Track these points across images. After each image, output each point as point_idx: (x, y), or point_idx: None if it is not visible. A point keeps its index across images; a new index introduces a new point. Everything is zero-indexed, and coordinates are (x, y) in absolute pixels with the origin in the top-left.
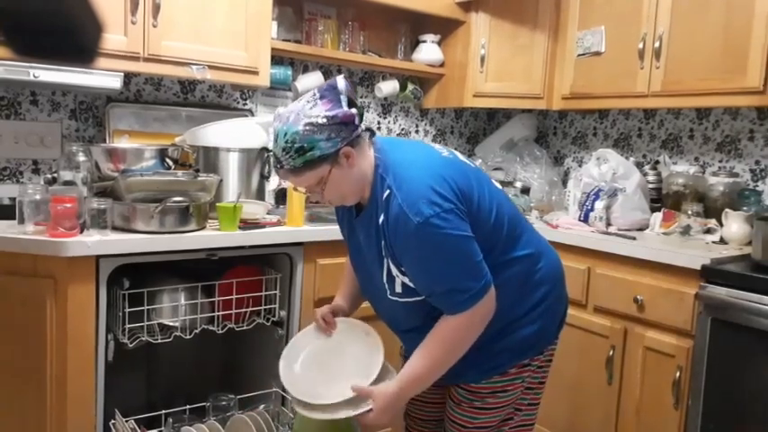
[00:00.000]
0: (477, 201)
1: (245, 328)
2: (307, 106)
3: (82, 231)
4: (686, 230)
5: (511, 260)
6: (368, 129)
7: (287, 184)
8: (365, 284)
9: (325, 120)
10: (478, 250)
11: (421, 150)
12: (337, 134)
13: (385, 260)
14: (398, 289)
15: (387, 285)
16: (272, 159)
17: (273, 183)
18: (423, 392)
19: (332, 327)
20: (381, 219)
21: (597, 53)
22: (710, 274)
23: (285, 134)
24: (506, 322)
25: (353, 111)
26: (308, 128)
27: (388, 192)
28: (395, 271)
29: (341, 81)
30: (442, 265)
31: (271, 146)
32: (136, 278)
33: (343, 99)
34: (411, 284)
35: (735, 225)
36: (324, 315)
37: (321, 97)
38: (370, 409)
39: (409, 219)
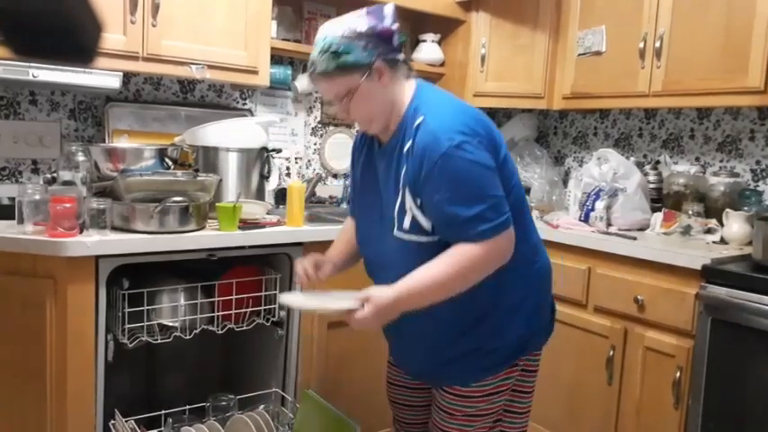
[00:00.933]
0: (504, 157)
1: (244, 328)
2: (351, 17)
3: (81, 231)
4: (687, 230)
5: (516, 240)
6: (408, 64)
7: (286, 183)
8: (367, 226)
9: (365, 29)
10: (501, 187)
11: (460, 100)
12: (375, 47)
13: (401, 191)
14: (406, 225)
15: (396, 219)
16: (308, 66)
17: (273, 183)
18: (410, 396)
19: (310, 280)
20: (408, 146)
21: (598, 53)
22: (711, 274)
23: (325, 38)
24: (500, 315)
25: (394, 27)
26: (347, 34)
27: (420, 119)
28: (409, 203)
29: (389, 6)
30: (468, 190)
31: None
32: (135, 278)
33: (388, 18)
34: (422, 220)
35: (735, 225)
36: (305, 268)
37: (368, 13)
38: (362, 308)
39: (441, 142)
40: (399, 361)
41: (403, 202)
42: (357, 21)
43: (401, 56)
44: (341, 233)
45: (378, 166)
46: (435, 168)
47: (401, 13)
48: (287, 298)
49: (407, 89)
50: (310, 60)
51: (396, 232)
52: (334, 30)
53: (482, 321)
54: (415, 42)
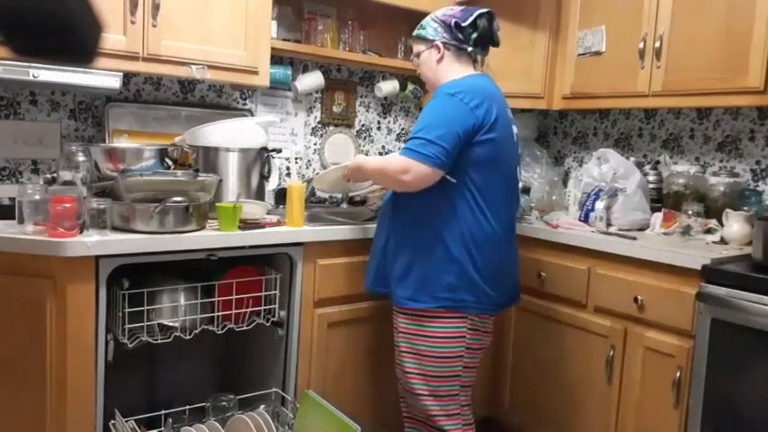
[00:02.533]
0: (488, 139)
1: (244, 328)
2: (449, 8)
3: (81, 231)
4: (687, 230)
5: (481, 208)
6: (476, 55)
7: (286, 184)
8: None
9: (441, 17)
10: (456, 145)
11: (485, 82)
12: (441, 31)
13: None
14: None
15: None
16: None
17: (273, 183)
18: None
19: None
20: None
21: (598, 53)
22: (711, 274)
23: (430, 13)
24: (442, 252)
25: (463, 24)
26: (432, 17)
27: (448, 83)
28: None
29: (482, 11)
30: (429, 121)
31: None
32: (135, 278)
33: (467, 16)
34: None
35: (735, 225)
36: None
37: (464, 6)
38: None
39: (445, 89)
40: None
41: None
42: (447, 9)
43: (468, 48)
44: None
45: None
46: (432, 101)
47: (401, 12)
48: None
49: (459, 73)
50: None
51: None
52: (435, 11)
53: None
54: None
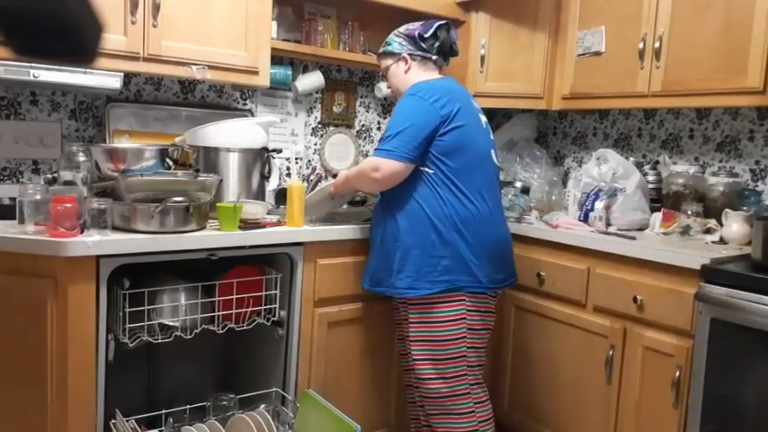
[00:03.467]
0: (453, 129)
1: (245, 327)
2: (412, 24)
3: (82, 231)
4: (686, 230)
5: (462, 191)
6: (438, 63)
7: (286, 183)
8: None
9: (404, 32)
10: (421, 139)
11: (444, 81)
12: (406, 44)
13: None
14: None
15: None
16: None
17: (273, 183)
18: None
19: None
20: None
21: (597, 53)
22: (710, 274)
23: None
24: (431, 239)
25: (416, 33)
26: (396, 33)
27: (412, 87)
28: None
29: (441, 24)
30: (397, 122)
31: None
32: (136, 278)
33: (427, 29)
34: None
35: (735, 225)
36: None
37: (426, 21)
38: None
39: (407, 92)
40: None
41: None
42: (410, 25)
43: (432, 56)
44: None
45: None
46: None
47: (401, 13)
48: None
49: (427, 77)
50: None
51: None
52: (397, 29)
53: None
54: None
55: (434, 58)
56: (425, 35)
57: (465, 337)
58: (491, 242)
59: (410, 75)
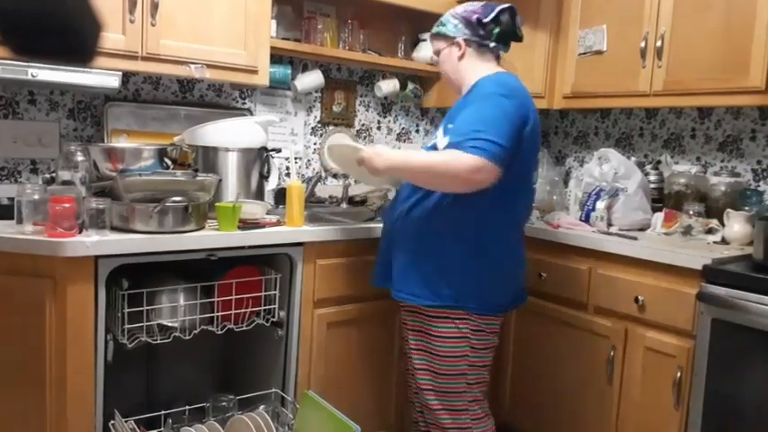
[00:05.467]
0: (527, 137)
1: (244, 328)
2: (471, 3)
3: (80, 231)
4: (688, 230)
5: (514, 207)
6: (497, 51)
7: (286, 183)
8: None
9: (462, 13)
10: (516, 146)
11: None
12: (463, 28)
13: (439, 133)
14: (431, 144)
15: (430, 145)
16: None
17: (273, 182)
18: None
19: None
20: (465, 98)
21: (599, 52)
22: (712, 274)
23: (449, 10)
24: (473, 252)
25: (476, 17)
26: (453, 12)
27: (486, 81)
28: (439, 139)
29: (503, 7)
30: (488, 115)
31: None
32: (135, 278)
33: (487, 12)
34: (438, 141)
35: (736, 225)
36: None
37: (484, 3)
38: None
39: (490, 89)
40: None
41: (435, 142)
42: (467, 6)
43: (490, 44)
44: None
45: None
46: (478, 97)
47: (401, 11)
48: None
49: (486, 69)
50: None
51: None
52: (455, 7)
53: (465, 242)
54: (415, 41)
55: (492, 45)
56: (485, 20)
57: (467, 355)
58: (515, 270)
59: (465, 63)
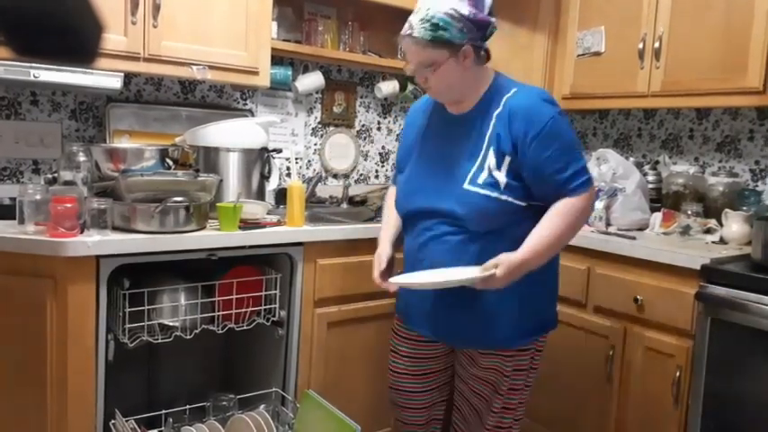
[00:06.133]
0: None
1: (245, 327)
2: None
3: (82, 231)
4: (686, 230)
5: None
6: (487, 50)
7: (286, 184)
8: (422, 179)
9: (466, 13)
10: None
11: None
12: (469, 31)
13: (483, 151)
14: (480, 180)
15: (471, 174)
16: (404, 27)
17: (273, 183)
18: (412, 385)
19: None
20: (499, 109)
21: (597, 53)
22: (710, 274)
23: (429, 8)
24: (547, 281)
25: (491, 19)
26: (450, 12)
27: (514, 90)
28: (490, 161)
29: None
30: (573, 148)
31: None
32: (136, 278)
33: (487, 7)
34: (497, 176)
35: (735, 225)
36: (382, 265)
37: None
38: (494, 273)
39: (548, 108)
40: (444, 331)
41: (484, 160)
42: (461, 3)
43: (486, 45)
44: (388, 208)
45: (448, 129)
46: (545, 129)
47: (401, 13)
48: (401, 278)
49: (488, 73)
50: (408, 23)
51: (466, 185)
52: (440, 3)
53: (541, 284)
54: None
55: (487, 46)
56: (491, 19)
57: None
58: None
59: (474, 71)
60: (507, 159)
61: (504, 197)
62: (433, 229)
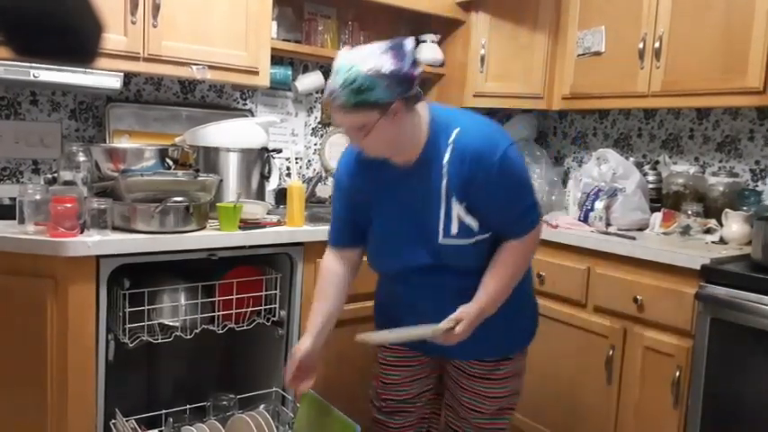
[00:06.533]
0: None
1: (245, 327)
2: (375, 53)
3: (82, 231)
4: (686, 230)
5: None
6: (418, 92)
7: (286, 184)
8: (393, 239)
9: (389, 71)
10: None
11: (470, 111)
12: (395, 88)
13: (443, 200)
14: (454, 230)
15: (442, 228)
16: (326, 93)
17: (273, 183)
18: (405, 393)
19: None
20: (447, 157)
21: (597, 53)
22: (710, 273)
23: (349, 70)
24: (524, 298)
25: (416, 72)
26: (372, 72)
27: (456, 131)
28: (456, 210)
29: (409, 42)
30: (525, 185)
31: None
32: (136, 278)
33: (409, 58)
34: (470, 222)
35: (735, 225)
36: (294, 376)
37: (390, 49)
38: (453, 327)
39: (496, 146)
40: (431, 347)
41: (449, 211)
42: (381, 59)
43: (417, 90)
44: (320, 291)
45: (401, 183)
46: (495, 171)
47: (401, 13)
48: (367, 336)
49: (422, 114)
50: (330, 89)
51: (442, 240)
52: (359, 63)
53: (516, 299)
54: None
55: (418, 89)
56: (415, 72)
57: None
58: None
59: (409, 121)
60: (465, 203)
61: (479, 237)
62: (418, 282)
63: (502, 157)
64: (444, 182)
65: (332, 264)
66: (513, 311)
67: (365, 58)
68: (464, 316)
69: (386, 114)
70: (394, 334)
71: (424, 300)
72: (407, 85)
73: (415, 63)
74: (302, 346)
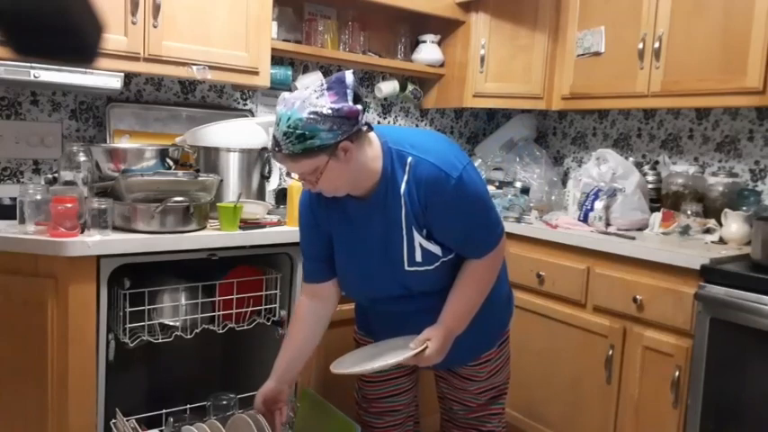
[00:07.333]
0: None
1: (245, 327)
2: (313, 95)
3: (83, 231)
4: (685, 230)
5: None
6: (367, 123)
7: (286, 183)
8: (361, 276)
9: (329, 111)
10: None
11: (425, 130)
12: (339, 127)
13: (405, 230)
14: (419, 258)
15: (406, 256)
16: (271, 143)
17: (274, 183)
18: (394, 382)
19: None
20: (403, 187)
21: (597, 53)
22: (710, 273)
23: (288, 119)
24: (496, 300)
25: (358, 107)
26: (311, 116)
27: (410, 158)
28: (417, 239)
29: (349, 76)
30: (484, 206)
31: (272, 129)
32: (136, 278)
33: (350, 94)
34: (433, 248)
35: (734, 225)
36: (261, 410)
37: (329, 89)
38: (425, 348)
39: (449, 172)
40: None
41: (411, 240)
42: (320, 101)
43: (362, 122)
44: (288, 334)
45: (357, 216)
46: (450, 196)
47: (401, 13)
48: (338, 367)
49: (373, 145)
50: (274, 138)
51: (407, 268)
52: (297, 109)
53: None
54: (415, 43)
55: (364, 122)
56: (357, 105)
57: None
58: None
59: (360, 157)
60: (426, 230)
61: (444, 259)
62: (385, 309)
63: (457, 181)
64: (403, 212)
65: (303, 308)
66: (486, 317)
67: (303, 103)
68: (430, 336)
69: (335, 155)
70: (368, 366)
71: (393, 319)
72: (352, 122)
73: (356, 97)
74: (266, 387)
